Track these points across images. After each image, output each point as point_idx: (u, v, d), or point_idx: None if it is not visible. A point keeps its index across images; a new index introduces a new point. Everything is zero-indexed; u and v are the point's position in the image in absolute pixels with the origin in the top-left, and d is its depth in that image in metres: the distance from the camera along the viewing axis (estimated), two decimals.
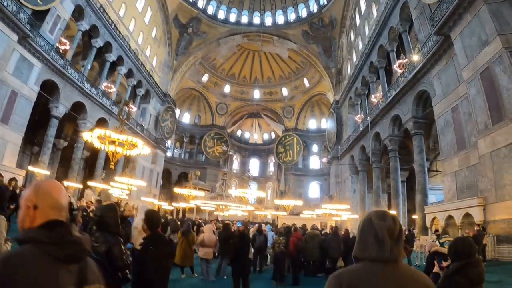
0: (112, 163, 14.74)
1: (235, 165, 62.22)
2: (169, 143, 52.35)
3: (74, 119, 29.17)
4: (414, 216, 33.20)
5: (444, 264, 3.96)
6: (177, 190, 29.33)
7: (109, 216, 4.01)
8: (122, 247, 3.90)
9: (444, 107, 18.83)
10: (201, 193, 28.88)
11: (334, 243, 13.05)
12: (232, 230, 12.41)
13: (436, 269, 6.31)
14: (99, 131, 13.45)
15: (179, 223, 15.15)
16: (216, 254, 13.73)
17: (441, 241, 7.88)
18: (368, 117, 31.00)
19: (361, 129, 33.92)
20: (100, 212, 4.15)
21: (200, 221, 23.00)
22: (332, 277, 1.76)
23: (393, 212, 24.87)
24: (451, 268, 3.23)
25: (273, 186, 58.38)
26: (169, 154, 53.26)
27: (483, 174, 15.03)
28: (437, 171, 29.17)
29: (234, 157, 61.14)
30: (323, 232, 16.40)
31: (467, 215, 15.64)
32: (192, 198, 28.77)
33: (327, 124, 49.83)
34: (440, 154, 19.59)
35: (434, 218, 18.46)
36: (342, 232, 15.49)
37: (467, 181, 16.71)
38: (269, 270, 13.16)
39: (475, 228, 13.69)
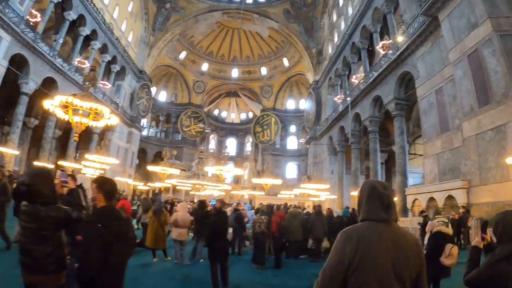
0: (76, 135, 14.05)
1: (212, 144, 61.51)
2: (144, 121, 51.39)
3: (46, 96, 28.00)
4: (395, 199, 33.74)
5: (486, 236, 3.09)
6: (151, 167, 28.37)
7: (40, 184, 3.40)
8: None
9: (427, 89, 18.79)
10: (176, 171, 27.77)
11: (318, 222, 12.44)
12: (209, 209, 11.86)
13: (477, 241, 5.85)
14: (60, 98, 12.22)
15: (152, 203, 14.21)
16: (191, 235, 13.28)
17: (435, 221, 7.71)
18: (348, 98, 30.88)
19: (340, 109, 33.82)
20: (29, 180, 3.48)
21: (175, 200, 22.14)
22: (343, 231, 2.22)
23: None
24: (500, 252, 2.63)
25: (250, 166, 58.10)
26: (144, 133, 52.06)
27: (467, 157, 15.07)
28: (415, 154, 29.32)
29: (211, 136, 60.36)
30: (305, 211, 15.85)
31: (450, 197, 15.73)
32: (167, 176, 27.71)
33: (305, 104, 49.63)
34: (422, 136, 19.62)
35: (415, 200, 18.58)
36: (324, 212, 15.05)
37: (449, 163, 16.79)
38: (249, 252, 12.31)
39: (460, 211, 13.72)
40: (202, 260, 10.57)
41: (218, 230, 7.82)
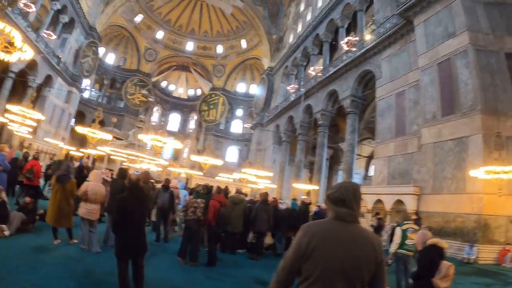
0: None
1: (155, 117, 59.23)
2: (87, 83, 48.33)
3: None
4: None
5: None
6: (79, 128, 23.33)
7: None
8: None
9: (388, 90, 18.74)
10: (108, 136, 24.08)
11: (263, 213, 10.40)
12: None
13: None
14: None
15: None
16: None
17: (403, 227, 7.34)
18: (303, 88, 30.55)
19: (292, 99, 33.55)
20: None
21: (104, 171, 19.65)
22: (304, 226, 2.36)
23: (315, 187, 24.89)
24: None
25: (191, 144, 56.77)
26: (86, 95, 49.18)
27: (422, 164, 15.12)
28: (360, 155, 29.54)
29: (155, 108, 58.37)
30: (247, 198, 13.93)
31: (399, 202, 15.68)
32: (96, 141, 24.87)
33: (256, 90, 49.13)
34: (375, 137, 19.58)
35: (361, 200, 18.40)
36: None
37: (400, 168, 16.81)
38: (178, 238, 9.91)
39: (412, 218, 13.53)
40: None
41: (126, 213, 5.13)
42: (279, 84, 41.30)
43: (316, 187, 25.43)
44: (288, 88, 35.96)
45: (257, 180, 28.32)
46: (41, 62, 30.83)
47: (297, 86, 34.20)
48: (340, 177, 39.71)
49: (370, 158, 36.79)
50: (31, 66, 30.06)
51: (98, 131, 21.82)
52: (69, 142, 35.96)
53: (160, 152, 23.74)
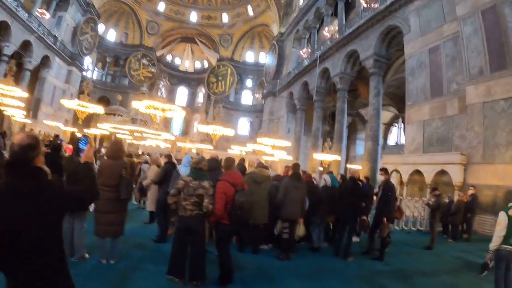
0: None
1: (162, 92, 57.44)
2: (89, 63, 46.74)
3: None
4: (351, 166, 32.06)
5: None
6: (66, 102, 21.87)
7: None
8: None
9: (419, 46, 16.58)
10: (99, 108, 21.43)
11: (295, 193, 7.27)
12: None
13: None
14: None
15: None
16: None
17: (510, 212, 5.19)
18: (318, 51, 28.25)
19: (305, 64, 31.37)
20: None
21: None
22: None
23: (336, 157, 23.00)
24: None
25: (200, 118, 54.87)
26: (88, 75, 46.88)
27: (467, 127, 13.05)
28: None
29: (161, 83, 56.38)
30: (272, 173, 9.91)
31: (442, 173, 13.70)
32: (86, 115, 22.16)
33: (266, 59, 46.69)
34: (406, 99, 17.38)
35: (393, 171, 16.24)
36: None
37: (439, 133, 14.85)
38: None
39: (470, 192, 11.52)
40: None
41: None
42: (290, 50, 38.90)
43: (338, 157, 23.50)
44: (300, 53, 33.69)
45: (273, 151, 26.34)
46: (35, 42, 29.55)
47: (310, 50, 31.92)
48: (360, 147, 38.01)
49: (389, 125, 34.81)
50: (25, 47, 28.59)
51: (88, 103, 19.70)
52: (73, 124, 34.11)
53: (156, 121, 20.08)
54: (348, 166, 32.00)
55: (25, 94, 20.45)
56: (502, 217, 5.06)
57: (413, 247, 9.48)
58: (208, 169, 5.88)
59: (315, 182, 9.42)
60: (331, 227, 9.24)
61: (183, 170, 8.18)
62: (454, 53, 14.33)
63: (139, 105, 18.64)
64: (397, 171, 16.26)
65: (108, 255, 5.69)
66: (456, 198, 11.40)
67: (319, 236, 8.38)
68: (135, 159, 12.07)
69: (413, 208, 12.34)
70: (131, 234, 7.38)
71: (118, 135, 30.99)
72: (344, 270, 6.70)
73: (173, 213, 6.44)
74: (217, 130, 23.40)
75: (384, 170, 8.34)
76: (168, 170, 7.99)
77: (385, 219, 7.67)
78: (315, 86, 28.14)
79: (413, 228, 12.15)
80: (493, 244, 5.10)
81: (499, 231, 5.01)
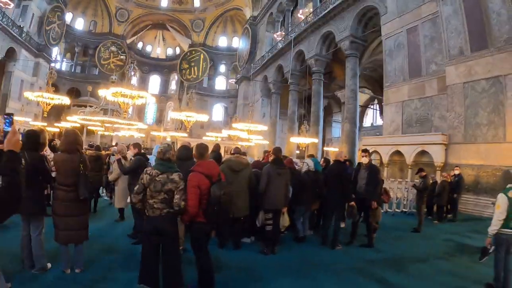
0: None
1: (134, 81, 55.83)
2: (57, 53, 45.38)
3: None
4: (328, 148, 32.07)
5: None
6: (28, 94, 20.25)
7: None
8: None
9: (396, 27, 16.38)
10: (65, 99, 19.94)
11: (278, 181, 6.67)
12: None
13: None
14: None
15: None
16: None
17: (510, 194, 4.96)
18: (292, 34, 27.87)
19: (280, 46, 30.96)
20: None
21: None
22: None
23: (313, 140, 22.85)
24: None
25: (174, 106, 54.01)
26: (57, 66, 45.86)
27: (448, 108, 12.98)
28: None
29: (132, 72, 54.94)
30: (250, 159, 9.47)
31: (422, 153, 13.63)
32: (50, 107, 20.05)
33: (239, 43, 46.13)
34: (384, 80, 17.23)
35: (373, 152, 16.14)
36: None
37: (418, 114, 14.77)
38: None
39: (454, 171, 11.45)
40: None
41: None
42: (264, 33, 38.38)
43: (315, 140, 23.34)
44: (275, 35, 33.29)
45: (249, 136, 25.94)
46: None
47: (284, 33, 31.51)
48: (336, 129, 38.02)
49: (364, 107, 34.93)
50: None
51: (52, 94, 18.56)
52: (44, 118, 33.05)
53: (126, 110, 18.67)
54: (325, 148, 32.02)
55: None
56: (502, 200, 4.75)
57: (400, 230, 9.27)
58: (179, 159, 5.41)
59: (297, 167, 8.76)
60: (315, 214, 8.84)
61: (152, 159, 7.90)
62: (433, 33, 14.21)
63: (105, 93, 17.79)
64: (376, 152, 16.20)
65: (72, 263, 4.95)
66: (439, 178, 11.32)
67: (304, 224, 7.91)
68: (103, 152, 11.43)
69: (396, 190, 12.21)
70: (99, 235, 6.90)
71: (90, 128, 30.03)
72: (335, 261, 6.33)
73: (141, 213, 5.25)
74: (191, 116, 22.78)
75: (366, 151, 8.02)
76: (141, 163, 6.99)
77: (375, 203, 7.38)
78: (290, 69, 27.77)
79: (397, 210, 12.04)
80: (493, 228, 4.82)
81: (499, 214, 4.73)
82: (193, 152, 5.12)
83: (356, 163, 9.27)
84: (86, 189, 4.84)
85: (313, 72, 24.73)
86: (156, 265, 4.29)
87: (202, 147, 4.86)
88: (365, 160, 7.78)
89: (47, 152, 7.80)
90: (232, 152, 7.81)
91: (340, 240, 7.31)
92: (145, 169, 4.38)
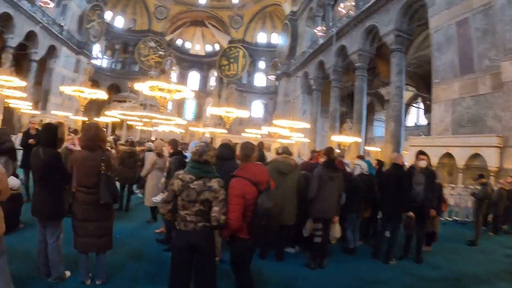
0: None
1: (173, 77, 56.48)
2: (98, 50, 46.70)
3: None
4: (369, 148, 31.03)
5: None
6: (65, 89, 20.06)
7: None
8: None
9: (445, 20, 15.34)
10: (101, 93, 19.89)
11: (331, 185, 5.95)
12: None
13: None
14: None
15: None
16: None
17: None
18: (334, 29, 27.00)
19: (321, 41, 30.15)
20: None
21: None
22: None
23: (357, 139, 22.02)
24: None
25: (213, 102, 54.08)
26: (98, 63, 47.43)
27: (504, 107, 11.97)
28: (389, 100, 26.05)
29: (170, 64, 55.37)
30: (298, 159, 8.87)
31: (475, 157, 12.66)
32: (87, 101, 20.34)
33: (279, 39, 45.34)
34: (432, 76, 16.21)
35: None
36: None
37: (470, 113, 13.77)
38: None
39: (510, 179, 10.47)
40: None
41: None
42: (304, 29, 37.47)
43: (358, 139, 22.47)
44: (315, 31, 32.42)
45: (289, 134, 25.21)
46: (41, 32, 29.26)
47: (325, 28, 30.63)
48: (378, 128, 36.86)
49: (408, 105, 33.68)
50: (30, 38, 28.34)
51: (87, 88, 18.67)
52: (84, 113, 33.61)
53: (163, 104, 18.28)
54: (366, 148, 31.07)
55: (23, 83, 19.55)
56: None
57: (455, 242, 8.51)
58: (219, 159, 4.55)
59: (348, 169, 7.77)
60: (366, 223, 8.10)
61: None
62: (485, 26, 13.14)
63: (142, 86, 17.52)
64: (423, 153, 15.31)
65: (93, 273, 4.45)
66: (494, 185, 10.39)
67: (354, 234, 7.16)
68: (137, 148, 11.01)
69: (449, 196, 11.34)
70: (127, 238, 6.44)
71: (129, 123, 30.17)
72: (389, 279, 5.69)
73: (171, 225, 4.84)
74: (230, 112, 22.27)
75: (424, 154, 7.18)
76: (181, 165, 6.05)
77: (434, 211, 6.74)
78: (332, 65, 26.94)
79: (448, 219, 11.22)
80: None
81: None
82: (237, 152, 4.47)
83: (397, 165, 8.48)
84: (109, 192, 4.21)
85: (356, 68, 23.83)
86: (187, 282, 3.62)
87: (248, 147, 4.09)
88: (423, 164, 6.92)
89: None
90: (279, 151, 7.15)
91: (393, 254, 6.63)
92: (176, 173, 3.59)
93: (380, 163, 8.81)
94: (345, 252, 6.95)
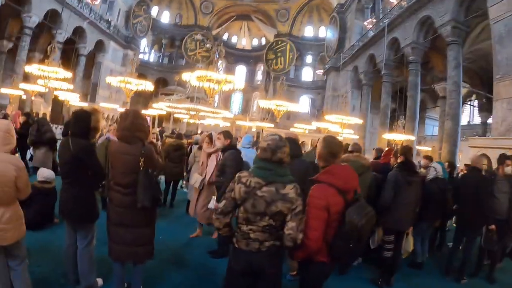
0: None
1: (220, 72, 56.53)
2: (144, 45, 48.22)
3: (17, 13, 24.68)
4: (420, 147, 29.53)
5: None
6: (109, 78, 20.04)
7: None
8: None
9: (506, 9, 13.89)
10: (148, 84, 19.59)
11: (409, 192, 5.21)
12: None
13: None
14: None
15: None
16: None
17: None
18: (385, 20, 25.72)
19: (371, 34, 28.91)
20: None
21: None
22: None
23: (410, 137, 20.75)
24: None
25: (260, 96, 53.74)
26: (145, 58, 49.05)
27: None
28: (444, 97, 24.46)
29: (219, 62, 55.46)
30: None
31: None
32: (133, 93, 19.95)
33: (326, 32, 44.12)
34: (494, 71, 14.86)
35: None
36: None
37: None
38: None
39: None
40: None
41: None
42: (352, 21, 36.19)
43: (412, 137, 21.18)
44: (365, 23, 31.25)
45: (340, 130, 24.07)
46: (88, 28, 30.44)
47: (375, 20, 29.44)
48: (430, 126, 35.21)
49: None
50: (78, 33, 29.61)
51: (133, 79, 18.48)
52: (132, 106, 34.26)
53: (213, 96, 17.33)
54: (418, 147, 29.63)
55: (69, 74, 19.89)
56: None
57: None
58: (294, 153, 3.95)
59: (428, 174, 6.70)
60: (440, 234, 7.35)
61: (248, 155, 6.45)
62: None
63: (190, 76, 16.82)
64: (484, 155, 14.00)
65: (129, 285, 3.85)
66: None
67: (423, 246, 6.37)
68: (184, 140, 10.27)
69: None
70: (170, 240, 5.75)
71: (176, 115, 30.24)
72: None
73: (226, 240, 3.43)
74: (282, 105, 21.26)
75: (510, 158, 6.16)
76: (238, 162, 5.48)
77: None
78: (383, 58, 25.60)
79: None
80: None
81: None
82: (318, 149, 3.16)
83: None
84: (148, 194, 3.42)
85: (409, 62, 22.50)
86: None
87: (335, 142, 3.08)
88: (508, 170, 5.95)
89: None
90: (350, 149, 6.13)
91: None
92: (238, 175, 2.74)
93: (451, 165, 7.85)
94: (411, 267, 6.19)
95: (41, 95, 23.00)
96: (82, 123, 3.72)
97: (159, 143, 9.20)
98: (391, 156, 6.70)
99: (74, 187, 3.67)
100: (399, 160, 5.75)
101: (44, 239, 5.06)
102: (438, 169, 6.44)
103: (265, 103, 22.39)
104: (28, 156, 10.12)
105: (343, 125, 23.06)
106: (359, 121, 24.22)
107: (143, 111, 27.36)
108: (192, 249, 5.63)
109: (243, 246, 2.68)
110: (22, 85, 21.36)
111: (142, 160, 3.43)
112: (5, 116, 11.08)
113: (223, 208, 2.70)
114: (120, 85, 19.09)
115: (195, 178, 6.22)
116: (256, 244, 2.63)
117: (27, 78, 23.10)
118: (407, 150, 5.52)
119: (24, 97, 24.17)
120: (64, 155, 3.71)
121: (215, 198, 5.51)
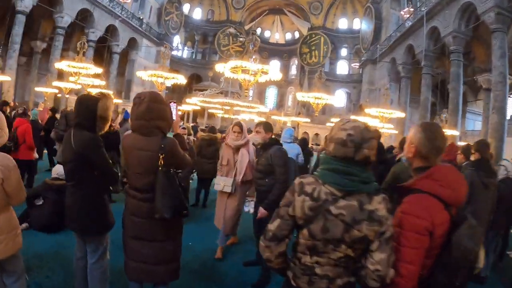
0: None
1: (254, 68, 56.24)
2: (177, 42, 48.30)
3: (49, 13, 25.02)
4: (461, 143, 28.06)
5: None
6: (139, 73, 20.70)
7: None
8: None
9: None
10: (180, 77, 19.37)
11: (488, 199, 4.52)
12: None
13: None
14: None
15: None
16: None
17: None
18: (424, 9, 24.46)
19: (408, 24, 27.68)
20: None
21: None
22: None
23: (453, 132, 19.61)
24: None
25: (295, 90, 53.04)
26: (179, 54, 49.61)
27: None
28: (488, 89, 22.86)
29: (253, 57, 54.82)
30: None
31: None
32: (164, 87, 19.53)
33: (361, 24, 43.11)
34: None
35: None
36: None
37: None
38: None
39: None
40: None
41: None
42: (388, 11, 35.11)
43: (455, 132, 20.00)
44: (401, 13, 30.02)
45: (380, 124, 22.85)
46: (120, 26, 30.86)
47: (412, 9, 28.25)
48: (471, 121, 33.56)
49: None
50: (110, 31, 30.08)
51: (167, 73, 18.26)
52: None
53: (248, 88, 16.29)
54: (459, 143, 28.23)
55: (99, 70, 20.14)
56: None
57: None
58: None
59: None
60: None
61: (290, 150, 5.61)
62: None
63: (223, 67, 15.89)
64: None
65: None
66: None
67: (488, 257, 5.08)
68: (218, 134, 9.47)
69: None
70: (198, 247, 5.01)
71: (210, 111, 30.17)
72: None
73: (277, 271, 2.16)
74: (320, 97, 20.12)
75: None
76: (286, 162, 4.51)
77: None
78: (423, 49, 24.35)
79: None
80: None
81: None
82: (414, 142, 2.00)
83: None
84: (169, 202, 2.64)
85: (451, 52, 21.24)
86: None
87: (440, 133, 2.02)
88: None
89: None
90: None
91: None
92: (300, 182, 1.82)
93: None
94: (473, 281, 5.13)
95: (76, 93, 23.19)
96: (87, 111, 2.96)
97: (191, 137, 8.52)
98: (458, 152, 5.50)
99: (79, 190, 2.98)
100: (472, 158, 4.94)
101: (58, 243, 4.51)
102: (509, 168, 5.42)
103: (302, 96, 21.47)
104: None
105: (383, 119, 21.89)
106: (402, 115, 22.81)
107: (179, 107, 27.26)
108: (227, 260, 4.84)
109: (303, 285, 1.85)
110: (55, 83, 22.18)
111: (161, 157, 2.67)
112: (25, 111, 10.63)
113: (274, 232, 1.86)
114: (151, 79, 18.83)
115: (222, 182, 5.21)
116: (323, 283, 1.79)
117: (61, 76, 23.67)
118: (483, 146, 4.71)
119: (59, 95, 25.16)
120: (66, 151, 3.01)
121: (250, 200, 4.70)
